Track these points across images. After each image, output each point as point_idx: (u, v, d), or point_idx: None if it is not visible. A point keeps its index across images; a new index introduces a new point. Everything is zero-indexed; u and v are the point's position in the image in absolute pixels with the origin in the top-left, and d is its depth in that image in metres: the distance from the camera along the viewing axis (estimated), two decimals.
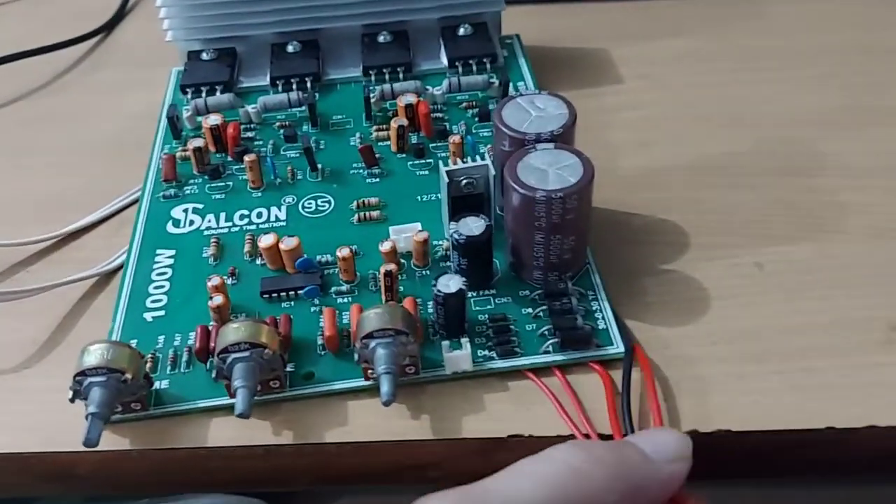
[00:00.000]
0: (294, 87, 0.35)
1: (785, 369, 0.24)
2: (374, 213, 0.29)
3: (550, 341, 0.24)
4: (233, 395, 0.22)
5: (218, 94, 0.35)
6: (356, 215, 0.29)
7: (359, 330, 0.23)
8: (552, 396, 0.23)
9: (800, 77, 0.36)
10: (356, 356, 0.23)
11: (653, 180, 0.31)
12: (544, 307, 0.25)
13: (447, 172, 0.26)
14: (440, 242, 0.28)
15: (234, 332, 0.22)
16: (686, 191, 0.31)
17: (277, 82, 0.35)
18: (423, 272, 0.27)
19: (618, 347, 0.24)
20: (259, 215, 0.30)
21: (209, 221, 0.29)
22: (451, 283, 0.24)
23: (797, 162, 0.32)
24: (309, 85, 0.35)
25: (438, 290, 0.24)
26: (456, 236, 0.25)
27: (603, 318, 0.25)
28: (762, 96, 0.35)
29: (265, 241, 0.27)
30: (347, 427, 0.23)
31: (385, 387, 0.22)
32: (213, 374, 0.22)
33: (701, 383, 0.24)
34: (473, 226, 0.25)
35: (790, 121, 0.34)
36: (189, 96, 0.35)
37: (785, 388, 0.24)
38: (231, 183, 0.31)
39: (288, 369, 0.24)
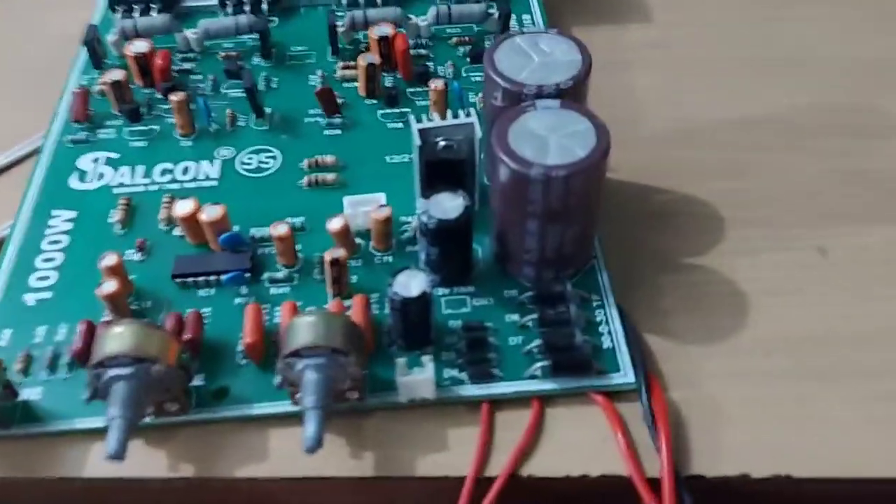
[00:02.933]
0: (247, 8, 0.28)
1: (858, 393, 0.19)
2: (330, 177, 0.23)
3: (539, 364, 0.19)
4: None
5: (154, 14, 0.28)
6: (306, 178, 0.23)
7: (285, 344, 0.17)
8: (530, 430, 0.18)
9: (870, 14, 0.29)
10: (278, 377, 0.17)
11: (684, 140, 0.25)
12: (535, 316, 0.20)
13: (420, 131, 0.20)
14: (410, 219, 0.22)
15: (115, 339, 0.17)
16: (726, 153, 0.25)
17: (227, 2, 0.29)
18: (384, 258, 0.21)
19: (625, 376, 0.19)
20: (185, 171, 0.24)
21: (122, 176, 0.23)
22: (412, 284, 0.18)
23: (867, 120, 0.25)
24: (265, 6, 0.28)
25: (395, 293, 0.18)
26: (425, 219, 0.19)
27: (609, 332, 0.20)
28: (822, 34, 0.29)
29: (183, 207, 0.21)
30: (268, 462, 0.18)
31: (310, 429, 0.16)
32: (85, 394, 0.17)
33: (744, 411, 0.18)
34: (448, 205, 0.19)
35: (858, 67, 0.27)
36: (119, 15, 0.28)
37: (859, 419, 0.18)
38: (157, 127, 0.25)
39: (196, 383, 0.18)
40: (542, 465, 0.18)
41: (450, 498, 0.17)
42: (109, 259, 0.20)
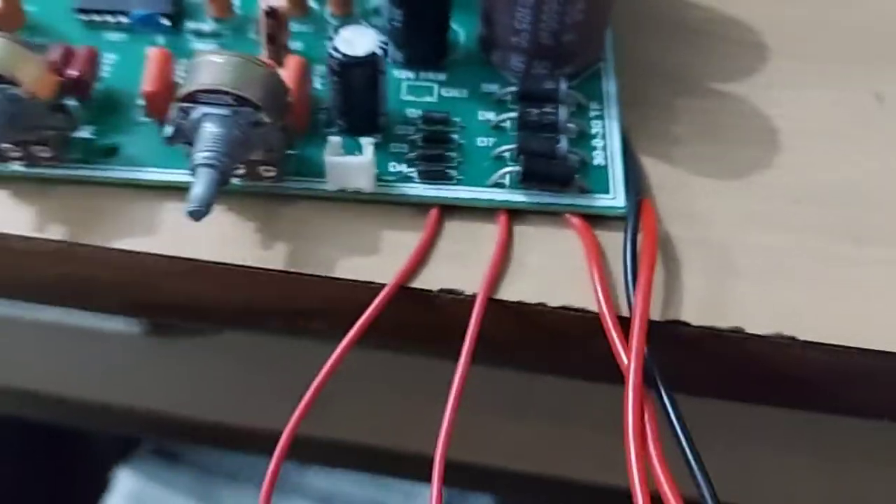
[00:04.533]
0: None
1: (891, 258, 0.15)
2: None
3: (507, 169, 0.15)
4: None
5: None
6: None
7: (183, 84, 0.13)
8: (502, 245, 0.14)
9: None
10: (168, 128, 0.13)
11: None
12: (514, 114, 0.16)
13: None
14: None
15: None
16: None
17: None
18: (339, 26, 0.17)
19: (615, 199, 0.15)
20: None
21: None
22: (358, 41, 0.14)
23: None
24: None
25: (335, 49, 0.14)
26: None
27: (604, 148, 0.16)
28: None
29: None
30: (162, 236, 0.14)
31: (197, 186, 0.12)
32: None
33: (751, 260, 0.15)
34: None
35: None
36: None
37: (885, 287, 0.15)
38: None
39: (79, 134, 0.15)
40: (498, 288, 0.14)
41: (362, 305, 0.14)
42: None
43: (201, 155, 0.13)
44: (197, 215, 0.12)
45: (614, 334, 0.13)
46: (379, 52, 0.14)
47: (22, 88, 0.13)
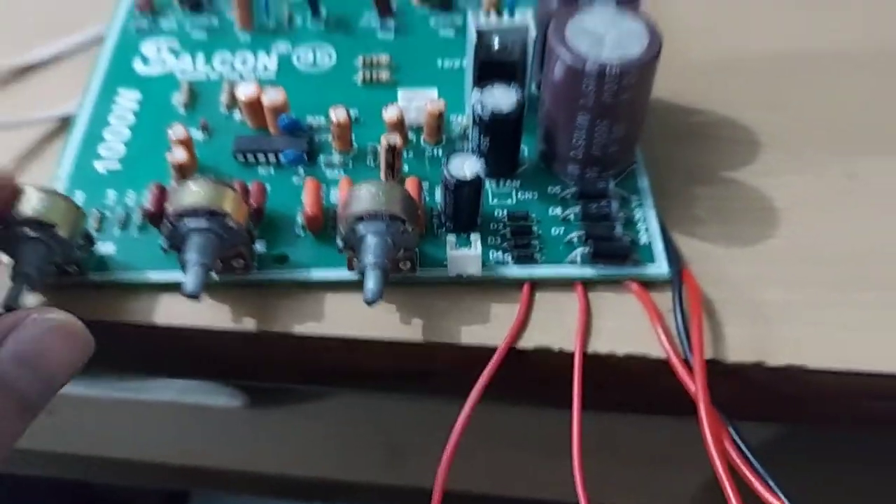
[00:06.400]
0: None
1: (878, 301, 0.20)
2: (384, 75, 0.24)
3: (580, 250, 0.20)
4: (184, 270, 0.18)
5: None
6: (361, 74, 0.24)
7: (346, 209, 0.18)
8: (584, 311, 0.19)
9: None
10: (339, 241, 0.18)
11: (724, 68, 0.26)
12: (577, 209, 0.21)
13: (478, 31, 0.21)
14: (458, 119, 0.23)
15: (193, 194, 0.18)
16: (764, 83, 0.25)
17: None
18: (434, 151, 0.22)
19: (660, 267, 0.20)
20: (244, 62, 0.24)
21: (184, 63, 0.24)
22: (466, 167, 0.19)
23: None
24: None
25: (450, 174, 0.19)
26: (479, 108, 0.20)
27: (646, 230, 0.21)
28: None
29: (245, 90, 0.22)
30: (326, 321, 0.19)
31: (370, 282, 0.17)
32: (163, 243, 0.18)
33: (765, 311, 0.20)
34: (502, 97, 0.20)
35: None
36: None
37: (874, 321, 0.19)
38: (215, 20, 0.26)
39: (257, 248, 0.20)
40: (572, 343, 0.19)
41: (483, 365, 0.18)
42: (178, 130, 0.21)
43: (370, 258, 0.18)
44: (372, 304, 0.17)
45: (681, 370, 0.18)
46: (482, 173, 0.19)
47: (231, 218, 0.18)
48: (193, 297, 0.17)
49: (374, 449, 0.31)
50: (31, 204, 0.18)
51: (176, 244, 0.18)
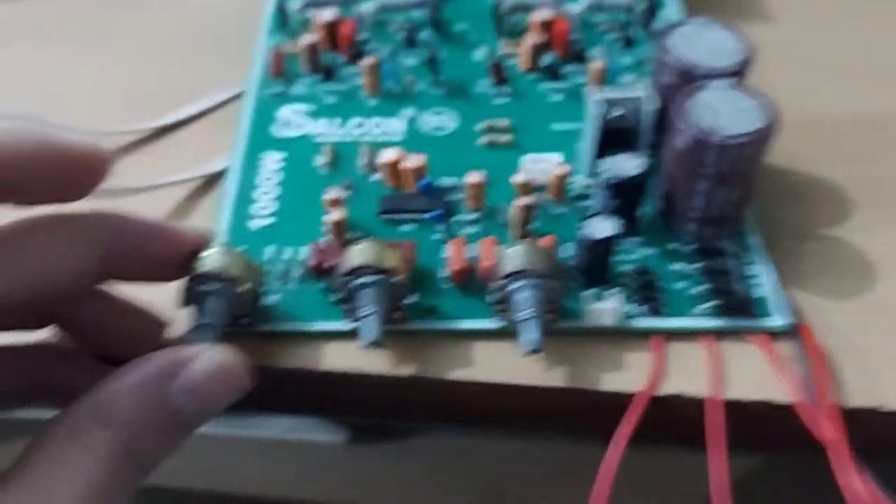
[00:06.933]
0: None
1: None
2: (504, 138, 0.26)
3: (708, 304, 0.22)
4: (356, 321, 0.20)
5: None
6: (484, 137, 0.26)
7: (499, 268, 0.20)
8: (715, 360, 0.21)
9: None
10: (492, 296, 0.20)
11: (813, 130, 0.28)
12: (698, 265, 0.23)
13: (601, 101, 0.23)
14: (574, 178, 0.25)
15: (361, 253, 0.20)
16: (853, 143, 0.27)
17: None
18: (558, 210, 0.24)
19: (778, 320, 0.22)
20: (377, 126, 0.27)
21: (321, 126, 0.27)
22: (602, 228, 0.21)
23: None
24: None
25: (588, 233, 0.21)
26: (609, 175, 0.22)
27: (761, 284, 0.22)
28: None
29: (387, 155, 0.24)
30: (471, 368, 0.21)
31: (533, 333, 0.19)
32: (334, 298, 0.20)
33: (872, 359, 0.21)
34: (628, 164, 0.22)
35: None
36: None
37: None
38: (344, 87, 0.28)
39: (409, 300, 0.22)
40: (703, 389, 0.21)
41: (622, 410, 0.20)
42: (333, 192, 0.23)
43: (529, 311, 0.19)
44: (538, 352, 0.19)
45: (809, 416, 0.19)
46: (618, 234, 0.21)
47: (397, 275, 0.20)
48: (377, 344, 0.19)
49: (469, 493, 0.32)
50: (213, 260, 0.20)
51: (345, 299, 0.20)
